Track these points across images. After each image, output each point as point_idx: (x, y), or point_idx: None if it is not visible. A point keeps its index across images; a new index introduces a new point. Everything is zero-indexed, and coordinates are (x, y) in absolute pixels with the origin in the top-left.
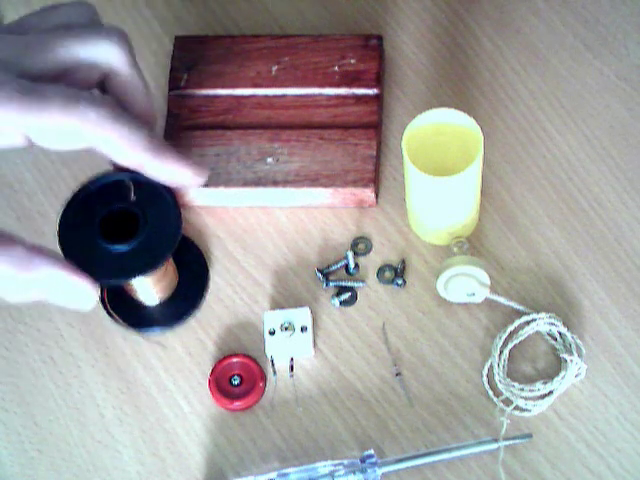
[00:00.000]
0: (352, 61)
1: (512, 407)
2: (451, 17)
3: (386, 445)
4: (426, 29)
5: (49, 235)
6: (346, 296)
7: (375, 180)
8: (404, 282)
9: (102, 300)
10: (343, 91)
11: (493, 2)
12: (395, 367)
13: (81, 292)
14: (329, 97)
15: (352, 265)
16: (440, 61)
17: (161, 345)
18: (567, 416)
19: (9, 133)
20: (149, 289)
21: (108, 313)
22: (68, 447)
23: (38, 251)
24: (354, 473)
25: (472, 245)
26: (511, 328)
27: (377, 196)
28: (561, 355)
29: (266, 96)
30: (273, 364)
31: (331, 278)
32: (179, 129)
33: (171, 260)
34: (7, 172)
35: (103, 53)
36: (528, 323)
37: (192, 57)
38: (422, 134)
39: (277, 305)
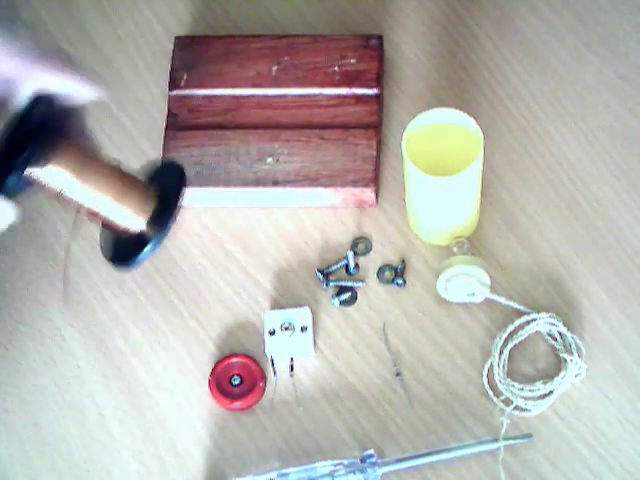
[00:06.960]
0: (352, 61)
1: (512, 407)
2: (451, 17)
3: (386, 445)
4: (426, 29)
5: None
6: (346, 296)
7: (375, 180)
8: (404, 282)
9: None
10: (343, 91)
11: (493, 2)
12: (395, 367)
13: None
14: (329, 97)
15: (352, 265)
16: (440, 61)
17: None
18: (567, 416)
19: None
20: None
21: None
22: (68, 447)
23: None
24: (354, 473)
25: (472, 245)
26: (511, 328)
27: (377, 196)
28: (561, 355)
29: (266, 96)
30: (273, 364)
31: (331, 278)
32: (179, 129)
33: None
34: None
35: None
36: (528, 323)
37: (192, 57)
38: (422, 134)
39: (277, 305)
